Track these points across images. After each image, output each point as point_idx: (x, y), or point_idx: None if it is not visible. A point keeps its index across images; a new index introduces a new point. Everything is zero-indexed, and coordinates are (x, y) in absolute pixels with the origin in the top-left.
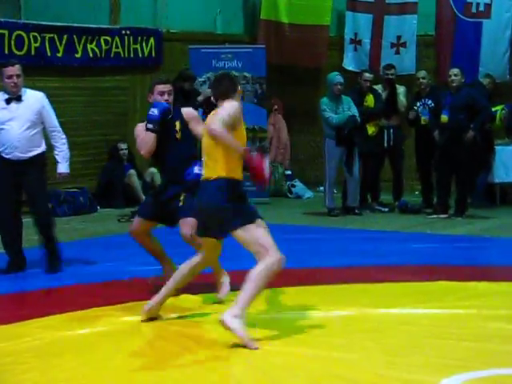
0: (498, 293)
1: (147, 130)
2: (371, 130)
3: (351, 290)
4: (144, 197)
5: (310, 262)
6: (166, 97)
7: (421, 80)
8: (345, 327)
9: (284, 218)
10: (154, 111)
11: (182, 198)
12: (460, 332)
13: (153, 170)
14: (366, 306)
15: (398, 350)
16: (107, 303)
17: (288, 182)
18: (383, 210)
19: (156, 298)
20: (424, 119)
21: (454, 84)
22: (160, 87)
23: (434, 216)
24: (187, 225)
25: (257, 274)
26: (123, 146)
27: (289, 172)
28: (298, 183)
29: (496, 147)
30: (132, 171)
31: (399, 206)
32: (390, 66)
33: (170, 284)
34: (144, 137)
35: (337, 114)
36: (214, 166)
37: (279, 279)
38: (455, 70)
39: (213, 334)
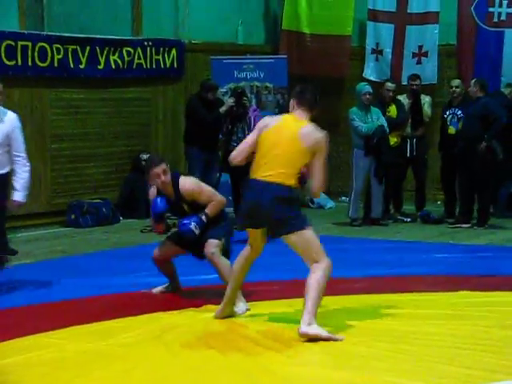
0: None
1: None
2: (393, 140)
3: (374, 300)
4: None
5: (334, 272)
6: (162, 178)
7: (454, 89)
8: (367, 337)
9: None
10: (152, 213)
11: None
12: (483, 343)
13: None
14: (388, 316)
15: (421, 360)
16: (128, 314)
17: None
18: (405, 220)
19: (224, 301)
20: (451, 129)
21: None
22: (155, 170)
23: (457, 226)
24: (211, 245)
25: (317, 281)
26: (146, 156)
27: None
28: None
29: None
30: None
31: (421, 216)
32: (415, 77)
33: (231, 284)
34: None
35: (366, 124)
36: (291, 173)
37: (300, 290)
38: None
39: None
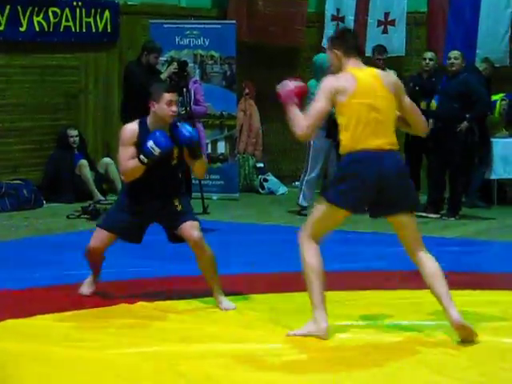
0: (494, 302)
1: (139, 160)
2: None
3: (333, 298)
4: (96, 191)
5: (288, 266)
6: (174, 108)
7: (428, 61)
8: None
9: (256, 216)
10: (154, 149)
11: (176, 202)
12: (454, 346)
13: (107, 160)
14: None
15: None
16: (52, 310)
17: (260, 176)
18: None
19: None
20: (423, 104)
21: (454, 68)
22: (168, 96)
23: (424, 216)
24: (195, 227)
25: (439, 268)
26: (73, 132)
27: (261, 165)
28: (270, 177)
29: (494, 140)
30: (83, 161)
31: None
32: (381, 50)
33: (319, 289)
34: (132, 165)
35: None
36: (395, 137)
37: (252, 285)
38: (456, 53)
39: None
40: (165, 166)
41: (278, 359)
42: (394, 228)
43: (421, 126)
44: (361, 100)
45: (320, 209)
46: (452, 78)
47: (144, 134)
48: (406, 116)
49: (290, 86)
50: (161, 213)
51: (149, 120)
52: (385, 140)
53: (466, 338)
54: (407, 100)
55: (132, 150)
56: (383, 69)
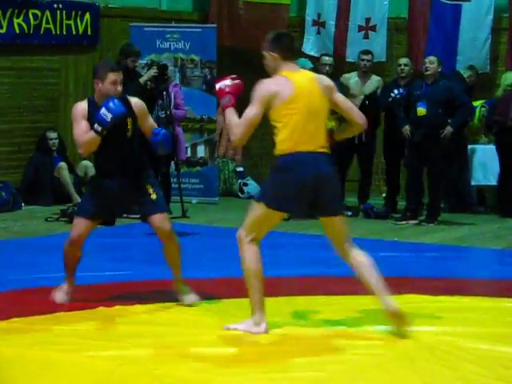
0: (472, 308)
1: (94, 131)
2: (330, 124)
3: (313, 302)
4: (75, 194)
5: (266, 270)
6: (118, 87)
7: (403, 67)
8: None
9: (235, 221)
10: (107, 115)
11: (150, 191)
12: (429, 356)
13: (86, 162)
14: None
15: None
16: (29, 314)
17: (239, 180)
18: (346, 214)
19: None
20: (421, 110)
21: (429, 72)
22: (113, 76)
23: (403, 222)
24: (166, 219)
25: (370, 259)
26: (53, 135)
27: (240, 169)
28: (250, 181)
29: (474, 147)
30: (62, 164)
31: (364, 209)
32: (366, 51)
33: (258, 289)
34: (87, 137)
35: None
36: (324, 137)
37: (230, 289)
38: (431, 58)
39: None
40: (121, 138)
41: (254, 363)
42: (322, 226)
43: (358, 122)
44: (297, 104)
45: (257, 211)
46: (433, 84)
47: (93, 109)
48: (343, 114)
49: (223, 84)
50: (133, 197)
51: (96, 98)
52: (319, 143)
53: (400, 326)
54: (340, 97)
55: (85, 123)
56: (366, 72)
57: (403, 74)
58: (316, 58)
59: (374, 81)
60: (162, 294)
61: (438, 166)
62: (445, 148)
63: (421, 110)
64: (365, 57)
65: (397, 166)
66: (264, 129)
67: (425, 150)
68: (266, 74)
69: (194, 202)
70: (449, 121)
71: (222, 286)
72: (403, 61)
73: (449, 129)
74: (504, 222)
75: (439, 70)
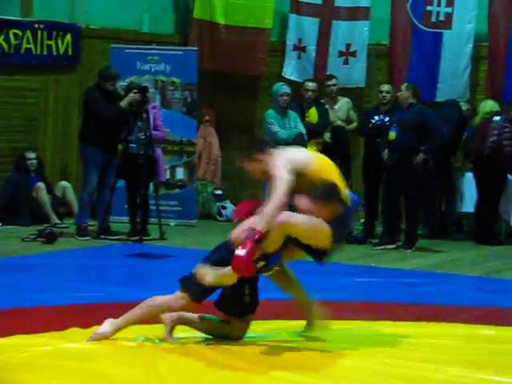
0: (450, 335)
1: None
2: (313, 149)
3: (284, 326)
4: (53, 214)
5: None
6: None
7: (384, 94)
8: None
9: (213, 242)
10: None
11: None
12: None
13: (65, 183)
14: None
15: None
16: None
17: (218, 203)
18: None
19: None
20: (392, 134)
21: (385, 101)
22: None
23: (381, 247)
24: None
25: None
26: (31, 155)
27: (219, 192)
28: (228, 204)
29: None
30: (40, 184)
31: None
32: (330, 76)
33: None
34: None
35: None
36: None
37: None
38: (386, 87)
39: None
40: None
41: None
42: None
43: None
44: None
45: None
46: (407, 109)
47: None
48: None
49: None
50: None
51: None
52: None
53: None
54: None
55: None
56: (335, 97)
57: (385, 101)
58: (296, 82)
59: (344, 103)
60: None
61: (412, 191)
62: (418, 174)
63: (391, 134)
64: (329, 82)
65: (375, 191)
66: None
67: (398, 175)
68: (244, 96)
69: (172, 224)
70: (422, 148)
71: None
72: (385, 87)
73: (421, 155)
74: (480, 249)
75: (410, 98)
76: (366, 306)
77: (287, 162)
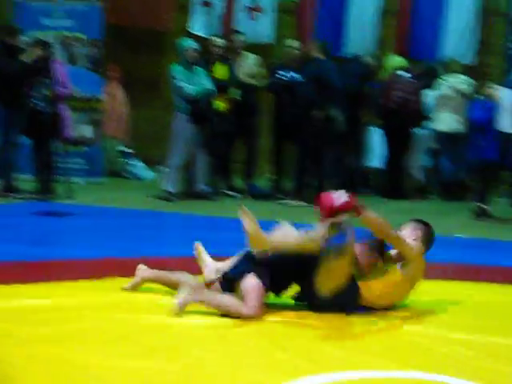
0: None
1: None
2: (221, 105)
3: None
4: None
5: (153, 250)
6: None
7: (291, 49)
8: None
9: (122, 200)
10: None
11: None
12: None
13: None
14: None
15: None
16: None
17: (125, 160)
18: (235, 195)
19: None
20: None
21: (292, 57)
22: None
23: (288, 202)
24: None
25: None
26: None
27: (126, 149)
28: (136, 162)
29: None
30: None
31: (249, 190)
32: (236, 32)
33: None
34: None
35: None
36: None
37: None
38: (293, 42)
39: None
40: None
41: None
42: None
43: None
44: None
45: None
46: (309, 64)
47: None
48: None
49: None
50: None
51: None
52: None
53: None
54: None
55: None
56: (241, 53)
57: (292, 57)
58: (203, 38)
59: (251, 59)
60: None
61: (313, 146)
62: (318, 128)
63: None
64: (236, 38)
65: (282, 146)
66: (153, 110)
67: (301, 131)
68: (152, 53)
69: (79, 182)
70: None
71: (101, 267)
72: (292, 43)
73: (318, 111)
74: (389, 203)
75: (313, 52)
76: None
77: None
